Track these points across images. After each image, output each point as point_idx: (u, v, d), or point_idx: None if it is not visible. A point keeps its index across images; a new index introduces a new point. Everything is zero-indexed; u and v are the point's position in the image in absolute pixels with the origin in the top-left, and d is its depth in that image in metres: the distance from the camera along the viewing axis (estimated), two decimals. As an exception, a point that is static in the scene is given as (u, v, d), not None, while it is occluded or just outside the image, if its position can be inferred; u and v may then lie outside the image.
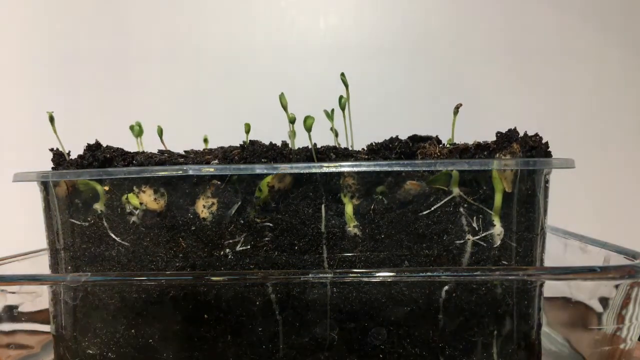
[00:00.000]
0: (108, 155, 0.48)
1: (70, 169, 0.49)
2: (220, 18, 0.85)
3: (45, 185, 0.49)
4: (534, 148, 0.44)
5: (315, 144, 0.47)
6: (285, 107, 0.47)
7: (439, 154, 0.45)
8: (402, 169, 0.43)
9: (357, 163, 0.43)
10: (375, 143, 0.47)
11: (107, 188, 0.47)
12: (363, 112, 0.56)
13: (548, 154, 0.45)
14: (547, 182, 0.45)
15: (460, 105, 0.47)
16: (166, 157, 0.49)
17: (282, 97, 0.48)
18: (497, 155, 0.44)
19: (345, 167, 0.43)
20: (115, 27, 0.85)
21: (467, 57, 0.84)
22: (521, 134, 0.45)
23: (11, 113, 0.85)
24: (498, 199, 0.43)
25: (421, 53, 0.83)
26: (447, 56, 0.84)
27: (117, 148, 0.51)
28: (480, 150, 0.45)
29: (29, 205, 0.58)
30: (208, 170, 0.44)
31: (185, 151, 0.55)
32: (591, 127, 0.83)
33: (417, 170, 0.43)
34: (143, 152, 0.52)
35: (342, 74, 0.50)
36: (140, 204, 0.45)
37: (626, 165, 0.83)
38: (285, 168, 0.43)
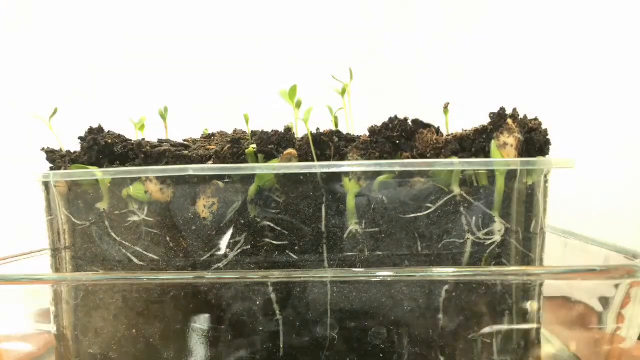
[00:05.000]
0: (109, 141, 0.48)
1: (66, 161, 0.49)
2: (219, 17, 0.85)
3: (46, 185, 0.49)
4: (534, 130, 0.44)
5: (318, 129, 0.47)
6: (291, 98, 0.48)
7: (435, 141, 0.45)
8: (402, 168, 0.43)
9: (358, 163, 0.43)
10: (376, 125, 0.47)
11: (109, 183, 0.46)
12: (363, 111, 0.56)
13: (547, 142, 0.45)
14: (547, 181, 0.45)
15: (449, 104, 0.48)
16: (168, 147, 0.48)
17: (287, 92, 0.48)
18: (495, 134, 0.44)
19: (345, 167, 0.43)
20: (114, 25, 0.86)
21: (467, 56, 0.84)
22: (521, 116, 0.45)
23: (11, 113, 0.85)
24: (500, 183, 0.43)
25: (421, 52, 0.83)
26: (446, 55, 0.84)
27: (118, 135, 0.50)
28: (479, 134, 0.44)
29: (30, 205, 0.58)
30: (208, 170, 0.44)
31: (185, 140, 0.56)
32: (591, 127, 0.83)
33: (419, 170, 0.43)
34: (143, 139, 0.52)
35: (349, 69, 0.51)
36: (146, 192, 0.45)
37: (626, 165, 0.83)
38: (286, 168, 0.43)
